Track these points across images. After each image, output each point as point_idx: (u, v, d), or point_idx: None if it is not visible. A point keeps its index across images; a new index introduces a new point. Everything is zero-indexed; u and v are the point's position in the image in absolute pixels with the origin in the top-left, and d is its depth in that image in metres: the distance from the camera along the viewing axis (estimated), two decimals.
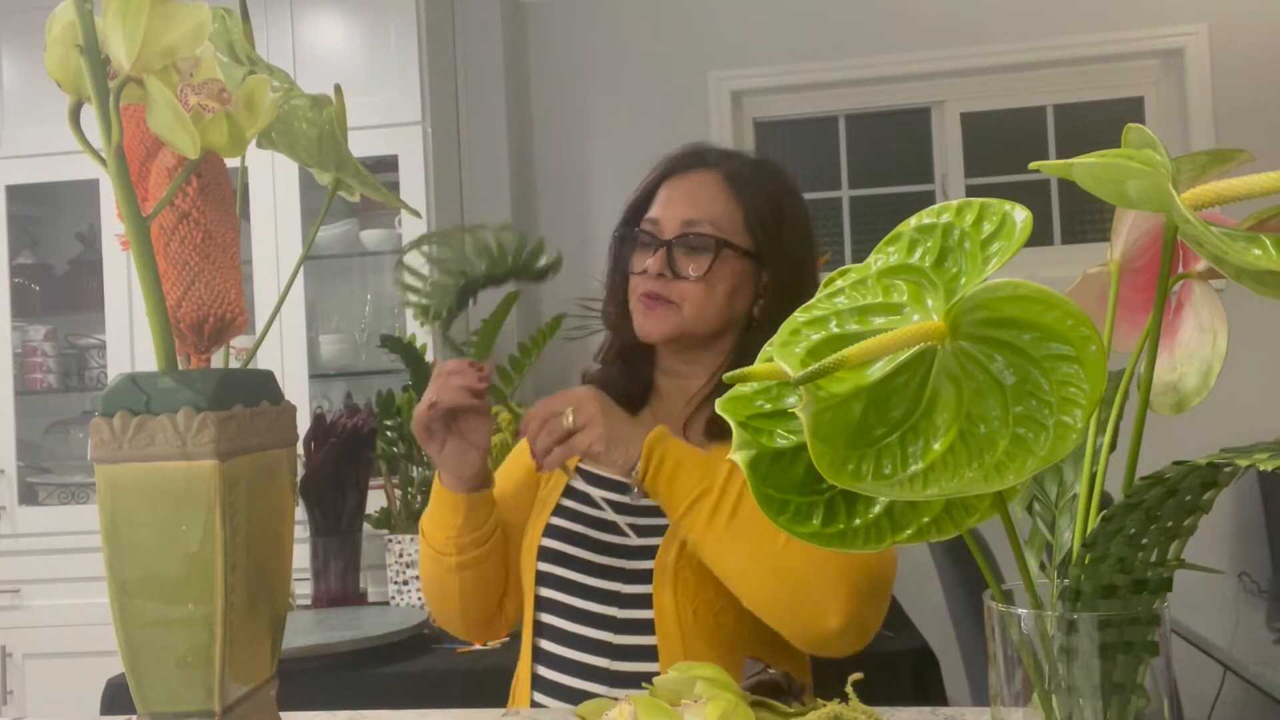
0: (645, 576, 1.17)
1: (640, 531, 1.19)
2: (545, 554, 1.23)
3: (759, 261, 1.24)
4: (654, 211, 1.26)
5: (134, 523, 0.70)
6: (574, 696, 1.15)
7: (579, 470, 1.28)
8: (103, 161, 0.70)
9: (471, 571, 1.22)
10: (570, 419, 1.07)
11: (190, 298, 0.75)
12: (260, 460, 0.76)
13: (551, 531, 1.24)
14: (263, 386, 0.79)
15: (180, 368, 0.75)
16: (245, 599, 0.74)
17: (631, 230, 1.28)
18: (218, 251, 0.76)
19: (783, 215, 1.25)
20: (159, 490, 0.70)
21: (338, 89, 0.85)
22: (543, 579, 1.23)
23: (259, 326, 2.93)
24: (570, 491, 1.27)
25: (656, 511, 1.16)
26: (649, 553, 1.18)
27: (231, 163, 0.80)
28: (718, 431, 1.22)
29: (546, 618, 1.22)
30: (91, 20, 0.68)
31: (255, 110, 0.74)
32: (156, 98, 0.69)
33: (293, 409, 0.83)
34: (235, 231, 0.79)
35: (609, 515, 1.22)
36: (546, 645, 1.22)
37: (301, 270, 2.92)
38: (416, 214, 0.90)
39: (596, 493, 1.24)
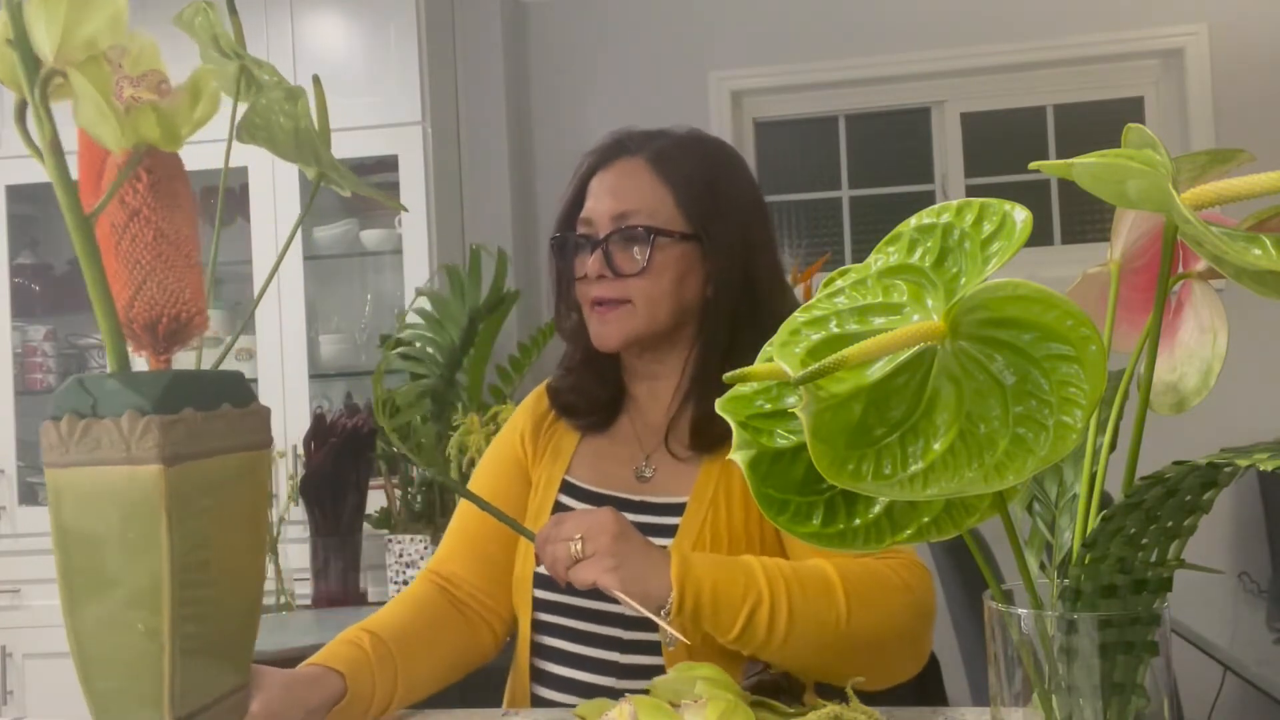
0: None
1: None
2: (541, 580, 1.18)
3: (700, 241, 1.16)
4: (585, 211, 1.19)
5: (82, 528, 0.68)
6: None
7: (568, 486, 1.23)
8: (41, 157, 0.68)
9: (399, 705, 1.12)
10: (578, 548, 0.98)
11: (142, 297, 0.72)
12: (221, 465, 0.73)
13: None
14: (226, 388, 0.75)
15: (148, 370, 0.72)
16: (203, 608, 0.71)
17: (567, 234, 1.22)
18: (170, 250, 0.73)
19: (717, 189, 1.17)
20: (105, 495, 0.67)
21: (316, 79, 0.82)
22: (540, 605, 1.19)
23: (259, 326, 2.93)
24: (560, 508, 1.21)
25: (656, 530, 1.12)
26: None
27: (217, 162, 0.77)
28: (705, 440, 1.16)
29: (547, 640, 1.18)
30: (20, 13, 0.65)
31: (196, 102, 0.71)
32: (79, 91, 0.66)
33: (265, 411, 0.79)
34: (192, 229, 0.75)
35: None
36: (548, 667, 1.18)
37: (301, 270, 2.93)
38: (403, 208, 0.88)
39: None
